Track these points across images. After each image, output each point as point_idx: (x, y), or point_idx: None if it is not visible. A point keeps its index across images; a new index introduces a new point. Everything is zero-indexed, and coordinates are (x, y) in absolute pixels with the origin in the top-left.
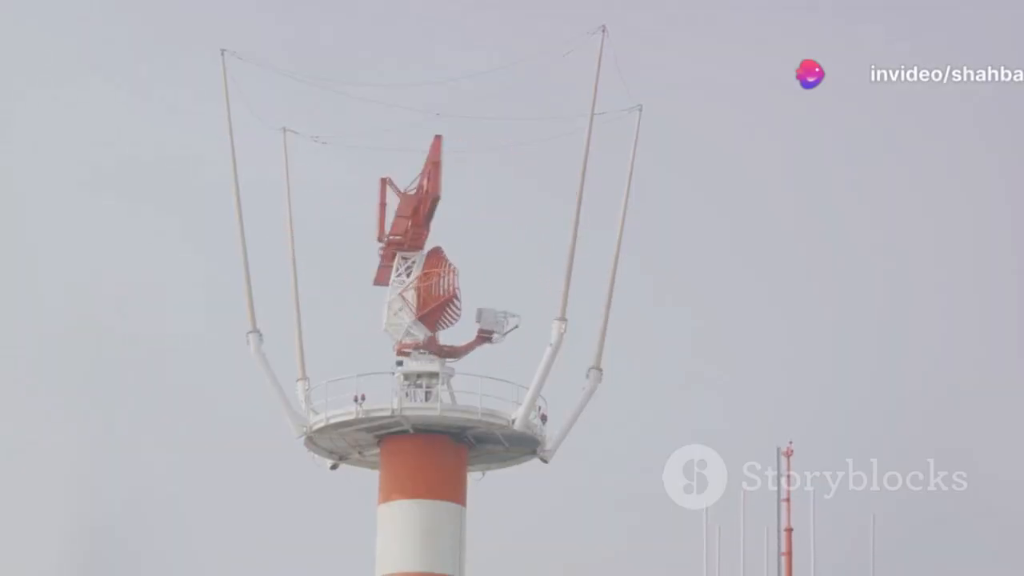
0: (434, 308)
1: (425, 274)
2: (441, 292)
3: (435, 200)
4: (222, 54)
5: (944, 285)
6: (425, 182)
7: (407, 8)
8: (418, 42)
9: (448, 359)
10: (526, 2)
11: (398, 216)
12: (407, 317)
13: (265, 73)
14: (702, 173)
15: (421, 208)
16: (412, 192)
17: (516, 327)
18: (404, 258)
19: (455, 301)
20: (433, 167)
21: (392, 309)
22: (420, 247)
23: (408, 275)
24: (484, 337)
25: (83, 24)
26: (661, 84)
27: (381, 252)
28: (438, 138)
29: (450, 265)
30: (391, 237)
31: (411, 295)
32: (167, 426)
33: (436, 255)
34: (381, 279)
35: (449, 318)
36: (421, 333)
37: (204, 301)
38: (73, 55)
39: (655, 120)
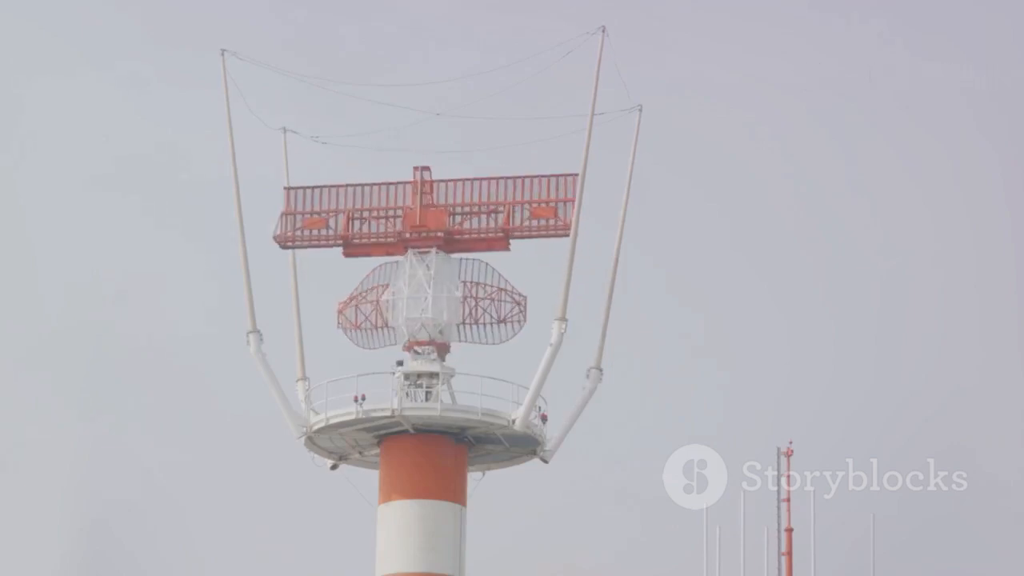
0: None
1: None
2: None
3: None
4: (222, 54)
5: (944, 285)
6: None
7: (407, 8)
8: (418, 42)
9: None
10: (526, 2)
11: None
12: None
13: (265, 73)
14: (702, 173)
15: None
16: None
17: None
18: None
19: None
20: None
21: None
22: None
23: None
24: None
25: (84, 23)
26: (661, 84)
27: None
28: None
29: None
30: None
31: None
32: (167, 426)
33: None
34: None
35: None
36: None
37: (204, 301)
38: (74, 54)
39: (655, 120)
